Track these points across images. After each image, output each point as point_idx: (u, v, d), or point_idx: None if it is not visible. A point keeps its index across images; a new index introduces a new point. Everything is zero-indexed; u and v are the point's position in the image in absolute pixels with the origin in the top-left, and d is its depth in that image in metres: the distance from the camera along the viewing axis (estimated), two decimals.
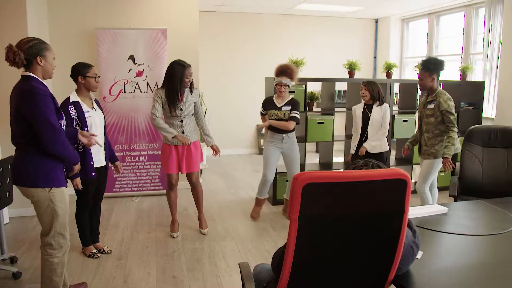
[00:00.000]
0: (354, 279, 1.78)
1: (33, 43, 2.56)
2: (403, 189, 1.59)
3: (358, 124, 4.71)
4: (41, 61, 2.58)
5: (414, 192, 4.52)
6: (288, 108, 4.57)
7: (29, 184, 2.64)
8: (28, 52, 2.53)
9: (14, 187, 3.47)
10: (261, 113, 4.79)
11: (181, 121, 4.11)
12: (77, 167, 2.98)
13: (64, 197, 2.77)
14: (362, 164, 1.86)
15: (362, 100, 4.72)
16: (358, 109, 4.74)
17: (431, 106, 4.06)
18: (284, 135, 4.61)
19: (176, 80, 3.99)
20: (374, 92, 4.61)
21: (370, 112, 4.65)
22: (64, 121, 2.83)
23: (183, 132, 4.11)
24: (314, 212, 1.54)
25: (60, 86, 4.67)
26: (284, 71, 4.46)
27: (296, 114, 4.53)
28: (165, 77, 4.08)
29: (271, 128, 4.64)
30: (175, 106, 4.02)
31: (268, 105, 4.64)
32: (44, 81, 2.66)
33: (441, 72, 4.12)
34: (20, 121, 2.57)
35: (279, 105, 4.58)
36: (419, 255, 1.99)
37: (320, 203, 1.55)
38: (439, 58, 4.16)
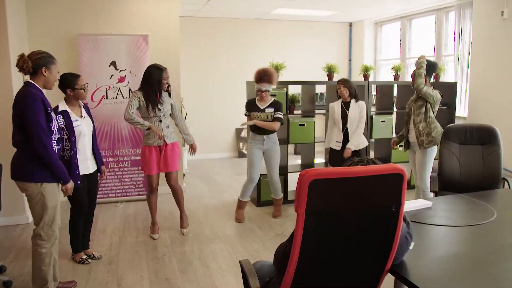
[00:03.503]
0: (355, 269, 1.88)
1: (42, 56, 2.91)
2: (400, 182, 1.70)
3: (338, 121, 4.82)
4: (45, 71, 2.90)
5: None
6: (271, 109, 4.69)
7: (23, 179, 2.91)
8: (35, 63, 2.86)
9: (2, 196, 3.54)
10: (245, 114, 4.84)
11: (160, 121, 4.19)
12: (70, 186, 3.04)
13: (55, 192, 3.00)
14: (358, 160, 1.97)
15: (340, 98, 4.86)
16: (336, 106, 4.85)
17: (421, 102, 4.34)
18: (265, 136, 4.71)
19: (154, 82, 4.10)
20: (352, 89, 4.80)
21: (348, 109, 4.80)
22: (55, 122, 2.99)
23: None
24: (319, 206, 1.64)
25: (47, 94, 4.64)
26: (262, 77, 4.57)
27: (280, 115, 4.67)
28: (143, 80, 4.19)
29: (252, 129, 4.75)
30: (154, 105, 4.11)
31: (251, 107, 4.74)
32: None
33: (433, 73, 4.35)
34: (16, 122, 2.86)
35: (261, 107, 4.69)
36: (411, 245, 2.10)
37: (325, 197, 1.64)
38: (432, 60, 4.36)
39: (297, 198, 1.61)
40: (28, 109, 2.78)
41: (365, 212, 1.73)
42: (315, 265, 1.78)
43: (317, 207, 1.62)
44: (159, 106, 4.14)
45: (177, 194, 4.45)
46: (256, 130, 4.71)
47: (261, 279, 2.15)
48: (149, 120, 4.12)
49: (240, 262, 2.22)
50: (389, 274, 1.94)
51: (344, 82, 4.81)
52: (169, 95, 4.28)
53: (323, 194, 1.63)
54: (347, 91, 4.77)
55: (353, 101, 4.83)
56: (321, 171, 1.60)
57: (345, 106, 4.82)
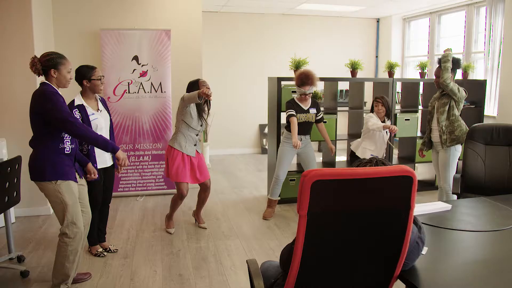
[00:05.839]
0: (362, 274, 1.81)
1: (50, 57, 2.92)
2: (409, 185, 1.62)
3: (384, 138, 4.70)
4: (54, 73, 2.93)
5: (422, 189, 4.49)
6: (314, 110, 4.72)
7: (38, 178, 2.95)
8: (44, 64, 2.91)
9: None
10: (292, 115, 4.55)
11: (197, 135, 4.26)
12: (121, 155, 3.06)
13: (71, 189, 3.00)
14: (366, 161, 1.90)
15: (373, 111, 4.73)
16: (379, 123, 4.60)
17: (446, 99, 4.20)
18: (302, 136, 4.69)
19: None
20: (388, 108, 4.68)
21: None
22: None
23: (195, 145, 4.25)
24: (322, 208, 1.57)
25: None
26: (305, 81, 4.51)
27: (322, 115, 4.88)
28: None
29: (289, 129, 4.62)
30: (202, 119, 4.22)
31: (295, 108, 4.61)
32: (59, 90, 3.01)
33: (457, 70, 4.20)
34: (33, 121, 2.92)
35: (305, 108, 4.67)
36: (424, 251, 2.02)
37: (329, 199, 1.58)
38: (456, 56, 4.21)
39: (299, 199, 1.55)
40: (49, 103, 2.83)
41: (371, 215, 1.65)
42: (318, 268, 1.72)
43: (320, 209, 1.56)
44: (205, 118, 4.25)
45: (206, 195, 4.46)
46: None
47: (268, 279, 2.10)
48: (189, 131, 4.17)
49: (247, 261, 2.18)
50: (399, 281, 1.87)
51: (382, 98, 4.66)
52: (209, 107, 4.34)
53: (327, 196, 1.56)
54: (384, 110, 4.64)
55: (386, 119, 4.74)
56: (324, 171, 1.53)
57: None
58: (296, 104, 4.65)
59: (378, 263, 1.79)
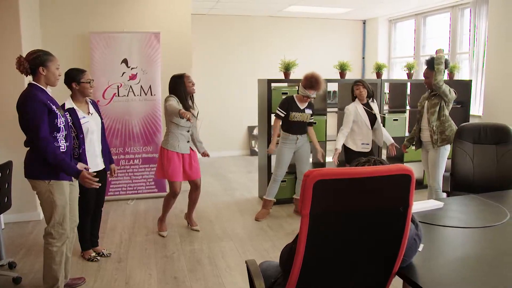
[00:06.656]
0: (361, 272, 1.84)
1: (37, 55, 2.87)
2: (407, 183, 1.66)
3: (366, 123, 4.73)
4: (43, 70, 2.87)
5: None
6: (310, 111, 4.78)
7: (32, 176, 2.95)
8: (32, 63, 2.85)
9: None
10: (278, 115, 4.68)
11: (188, 131, 4.24)
12: (84, 175, 2.93)
13: (64, 190, 2.99)
14: (365, 161, 1.94)
15: (357, 99, 4.77)
16: (359, 108, 4.73)
17: (436, 100, 4.27)
18: (299, 135, 4.74)
19: (180, 92, 4.12)
20: (370, 90, 4.76)
21: (371, 109, 4.77)
22: (62, 119, 2.96)
23: (188, 142, 4.25)
24: (324, 208, 1.60)
25: (54, 91, 4.67)
26: (314, 86, 4.54)
27: (313, 119, 4.92)
28: (170, 92, 4.20)
29: (284, 129, 4.74)
30: (192, 114, 4.18)
31: (291, 106, 4.68)
32: (48, 88, 2.96)
33: (445, 70, 4.28)
34: (21, 123, 2.87)
35: (302, 108, 4.71)
36: (420, 247, 2.06)
37: (330, 199, 1.61)
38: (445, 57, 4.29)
39: (301, 199, 1.58)
40: (27, 114, 2.78)
41: (371, 214, 1.68)
42: (320, 267, 1.75)
43: (322, 208, 1.59)
44: (193, 115, 4.23)
45: (197, 195, 4.47)
46: (290, 129, 4.71)
47: (267, 279, 2.12)
48: (179, 130, 4.15)
49: (246, 262, 2.20)
50: (397, 277, 1.90)
51: (363, 82, 4.74)
52: (193, 102, 4.32)
53: (328, 195, 1.59)
54: (366, 92, 4.72)
55: (370, 100, 4.81)
56: (326, 171, 1.56)
57: (366, 107, 4.76)
58: (294, 102, 4.70)
59: (378, 263, 1.82)
